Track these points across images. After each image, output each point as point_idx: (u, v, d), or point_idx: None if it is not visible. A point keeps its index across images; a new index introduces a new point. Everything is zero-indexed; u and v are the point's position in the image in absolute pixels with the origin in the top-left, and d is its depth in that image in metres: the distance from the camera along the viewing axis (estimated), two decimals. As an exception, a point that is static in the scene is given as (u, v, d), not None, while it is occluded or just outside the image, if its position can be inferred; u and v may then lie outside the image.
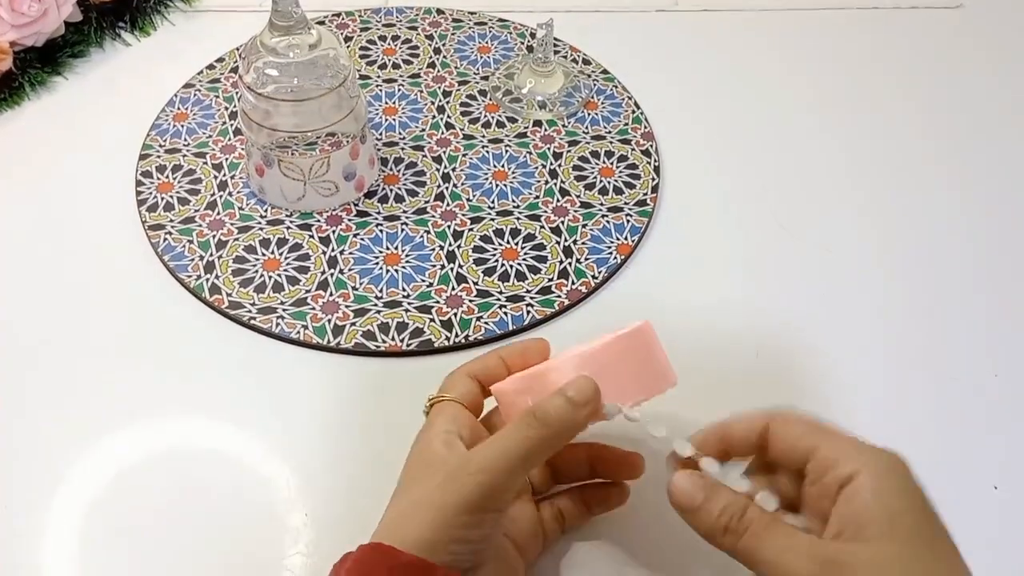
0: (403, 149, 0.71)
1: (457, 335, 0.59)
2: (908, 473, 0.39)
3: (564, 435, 0.42)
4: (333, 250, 0.64)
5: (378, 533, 0.42)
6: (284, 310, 0.60)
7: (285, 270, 0.63)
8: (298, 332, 0.59)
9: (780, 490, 0.43)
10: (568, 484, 0.50)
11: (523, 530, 0.47)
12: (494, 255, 0.64)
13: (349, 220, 0.66)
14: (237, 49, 0.79)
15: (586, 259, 0.64)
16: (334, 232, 0.65)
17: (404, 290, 0.62)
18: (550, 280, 0.63)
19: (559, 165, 0.70)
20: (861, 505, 0.38)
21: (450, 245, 0.65)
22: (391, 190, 0.68)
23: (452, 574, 0.39)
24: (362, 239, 0.65)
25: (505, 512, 0.42)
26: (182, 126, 0.73)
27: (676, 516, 0.42)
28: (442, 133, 0.72)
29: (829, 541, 0.38)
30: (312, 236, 0.65)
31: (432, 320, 0.60)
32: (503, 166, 0.70)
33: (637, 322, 0.46)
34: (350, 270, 0.63)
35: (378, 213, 0.67)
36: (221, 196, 0.67)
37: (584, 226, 0.66)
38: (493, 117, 0.74)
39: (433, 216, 0.66)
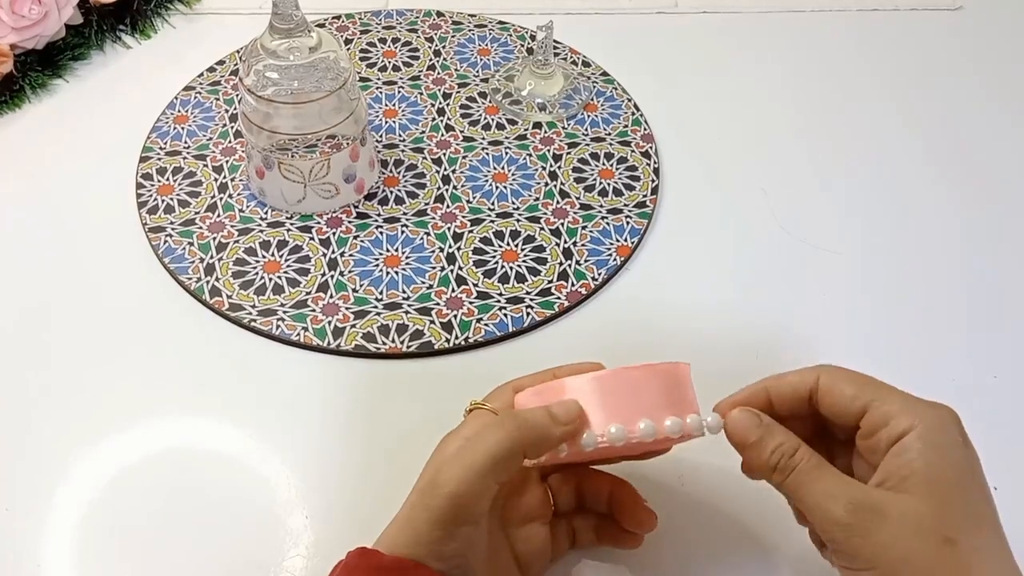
0: (403, 151, 0.71)
1: (457, 337, 0.59)
2: (957, 431, 0.40)
3: (535, 444, 0.42)
4: (333, 252, 0.64)
5: (381, 537, 0.42)
6: (284, 312, 0.60)
7: (285, 272, 0.63)
8: (298, 334, 0.59)
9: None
10: (590, 509, 0.50)
11: (532, 550, 0.47)
12: (494, 257, 0.64)
13: (349, 222, 0.66)
14: (237, 52, 0.79)
15: (586, 261, 0.64)
16: (334, 234, 0.65)
17: (404, 292, 0.62)
18: (550, 282, 0.63)
19: (559, 167, 0.70)
20: (907, 460, 0.39)
21: (450, 247, 0.65)
22: (391, 192, 0.68)
23: (433, 573, 0.39)
24: (362, 241, 0.65)
25: (482, 525, 0.42)
26: (182, 128, 0.73)
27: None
28: (442, 135, 0.73)
29: (868, 487, 0.39)
30: (312, 238, 0.65)
31: (432, 322, 0.60)
32: (503, 168, 0.70)
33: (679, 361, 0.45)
34: (350, 272, 0.63)
35: (378, 215, 0.67)
36: (221, 198, 0.67)
37: (584, 228, 0.66)
38: (493, 119, 0.74)
39: (433, 218, 0.66)
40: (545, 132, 0.73)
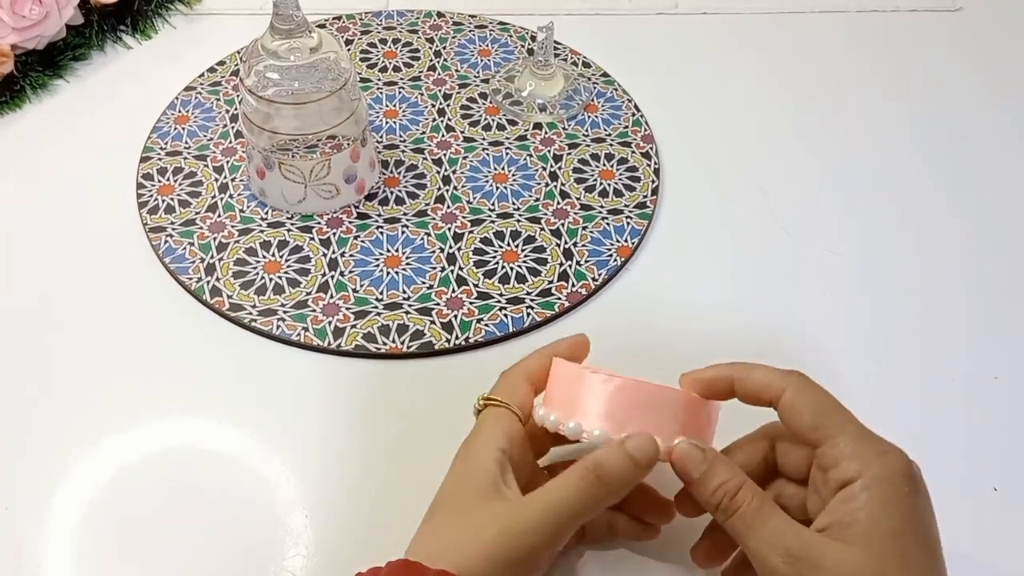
0: (403, 152, 0.71)
1: (457, 337, 0.59)
2: (908, 482, 0.40)
3: (620, 493, 0.42)
4: (334, 252, 0.64)
5: (414, 550, 0.41)
6: (285, 312, 0.60)
7: (286, 272, 0.63)
8: (299, 334, 0.59)
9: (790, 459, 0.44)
10: None
11: None
12: (494, 257, 0.64)
13: (350, 222, 0.66)
14: (238, 52, 0.79)
15: (586, 261, 0.64)
16: (335, 234, 0.65)
17: (404, 292, 0.62)
18: (550, 282, 0.63)
19: (559, 168, 0.70)
20: (851, 508, 0.39)
21: (450, 247, 0.65)
22: (391, 192, 0.68)
23: None
24: (363, 241, 0.65)
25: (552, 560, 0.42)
26: (183, 129, 0.73)
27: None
28: (442, 136, 0.73)
29: (807, 534, 0.39)
30: (313, 238, 0.65)
31: (432, 322, 0.60)
32: (503, 169, 0.70)
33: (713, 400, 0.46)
34: (351, 272, 0.63)
35: (378, 215, 0.67)
36: (222, 199, 0.67)
37: (584, 228, 0.66)
38: (493, 120, 0.74)
39: (433, 218, 0.67)
40: (545, 133, 0.73)
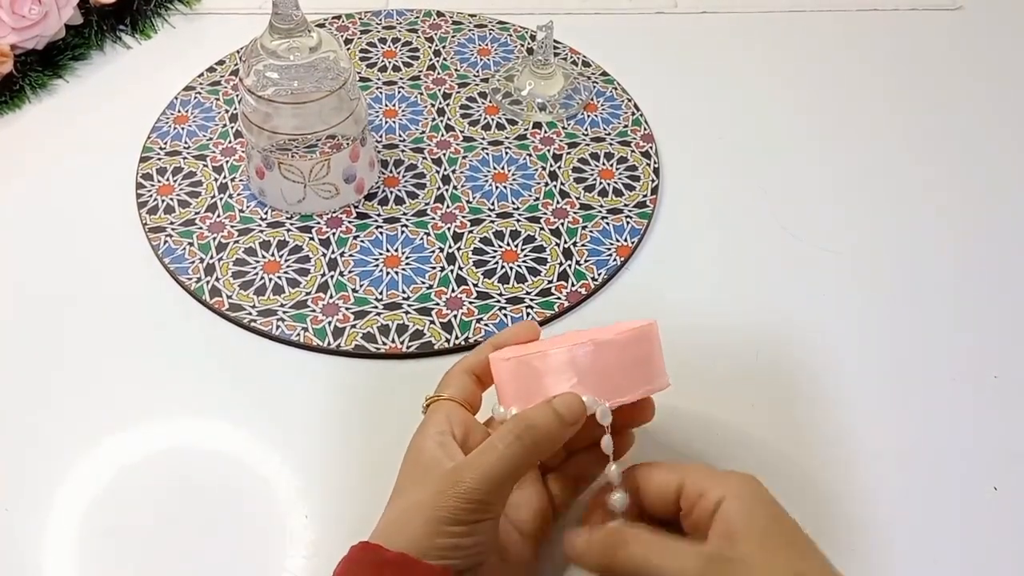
0: (403, 151, 0.71)
1: (457, 337, 0.59)
2: (765, 492, 0.43)
3: (549, 449, 0.44)
4: (333, 252, 0.64)
5: (374, 535, 0.43)
6: (284, 312, 0.60)
7: (285, 272, 0.63)
8: (298, 334, 0.59)
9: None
10: (578, 449, 0.49)
11: (528, 515, 0.47)
12: (494, 257, 0.64)
13: (349, 222, 0.66)
14: (237, 52, 0.79)
15: (586, 261, 0.64)
16: (334, 234, 0.65)
17: (404, 292, 0.62)
18: (550, 282, 0.63)
19: (559, 167, 0.70)
20: (732, 523, 0.41)
21: (450, 247, 0.65)
22: (391, 192, 0.68)
23: (435, 570, 0.40)
24: (362, 241, 0.65)
25: (499, 518, 0.43)
26: (182, 129, 0.73)
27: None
28: (442, 135, 0.73)
29: (712, 545, 0.41)
30: (312, 238, 0.65)
31: (432, 322, 0.60)
32: (503, 168, 0.70)
33: (643, 321, 0.47)
34: (350, 272, 0.63)
35: (378, 215, 0.67)
36: (221, 199, 0.67)
37: (584, 228, 0.66)
38: (493, 119, 0.74)
39: (433, 218, 0.67)
40: (545, 132, 0.73)
